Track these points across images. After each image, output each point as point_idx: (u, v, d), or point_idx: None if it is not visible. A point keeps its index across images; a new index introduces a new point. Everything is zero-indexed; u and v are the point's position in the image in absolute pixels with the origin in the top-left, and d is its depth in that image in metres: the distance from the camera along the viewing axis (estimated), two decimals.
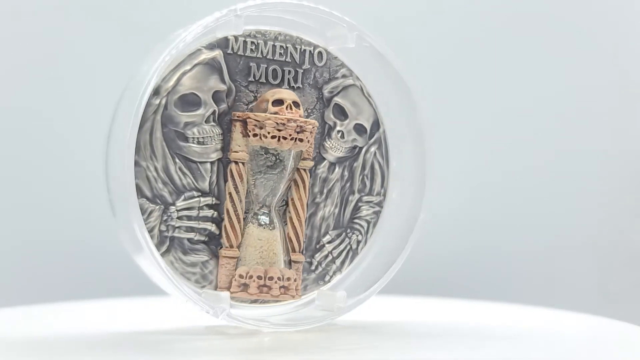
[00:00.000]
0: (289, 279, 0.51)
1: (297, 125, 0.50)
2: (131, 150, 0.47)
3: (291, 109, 0.50)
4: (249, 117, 0.49)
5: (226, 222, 0.50)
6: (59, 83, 0.80)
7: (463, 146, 0.83)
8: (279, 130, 0.49)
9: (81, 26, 0.80)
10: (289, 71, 0.52)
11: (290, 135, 0.50)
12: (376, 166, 0.55)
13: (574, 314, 0.64)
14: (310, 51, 0.52)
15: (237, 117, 0.50)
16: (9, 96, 0.79)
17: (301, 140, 0.50)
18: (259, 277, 0.50)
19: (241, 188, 0.50)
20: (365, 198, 0.55)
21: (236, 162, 0.49)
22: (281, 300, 0.51)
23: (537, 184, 0.83)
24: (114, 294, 0.74)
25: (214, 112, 0.49)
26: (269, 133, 0.49)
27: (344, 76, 0.54)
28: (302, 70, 0.52)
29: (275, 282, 0.50)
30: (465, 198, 0.83)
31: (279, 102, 0.50)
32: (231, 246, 0.50)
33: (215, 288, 0.50)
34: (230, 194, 0.49)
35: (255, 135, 0.49)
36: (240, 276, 0.49)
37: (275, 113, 0.50)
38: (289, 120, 0.50)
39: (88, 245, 0.80)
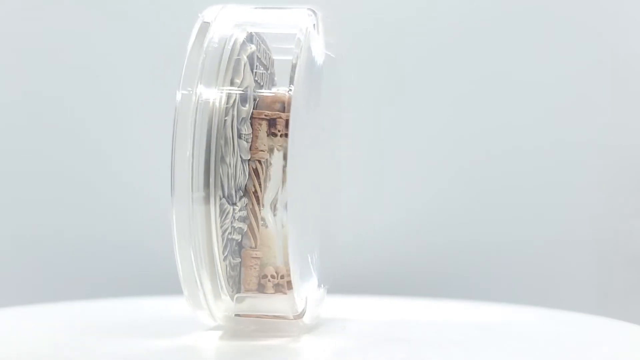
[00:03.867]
0: None
1: None
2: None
3: None
4: (280, 117, 0.49)
5: (252, 221, 0.49)
6: (88, 77, 0.80)
7: (459, 140, 0.83)
8: None
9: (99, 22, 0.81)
10: (262, 74, 0.51)
11: None
12: None
13: (573, 314, 0.64)
14: (270, 56, 0.52)
15: (265, 116, 0.49)
16: (36, 92, 0.80)
17: None
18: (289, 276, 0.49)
19: (263, 187, 0.49)
20: None
21: (259, 161, 0.49)
22: None
23: (535, 180, 0.83)
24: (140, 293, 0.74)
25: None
26: None
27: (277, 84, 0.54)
28: (268, 73, 0.52)
29: None
30: (461, 194, 0.83)
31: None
32: (256, 246, 0.49)
33: (239, 290, 0.49)
34: (255, 192, 0.49)
35: (284, 135, 0.48)
36: (273, 277, 0.49)
37: None
38: None
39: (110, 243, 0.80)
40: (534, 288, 0.82)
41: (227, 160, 0.47)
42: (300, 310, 0.49)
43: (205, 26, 0.50)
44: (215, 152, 0.47)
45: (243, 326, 0.51)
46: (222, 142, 0.47)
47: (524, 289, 0.82)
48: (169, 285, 0.74)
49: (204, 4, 0.60)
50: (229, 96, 0.48)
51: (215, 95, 0.48)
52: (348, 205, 0.80)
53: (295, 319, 0.49)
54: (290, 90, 0.48)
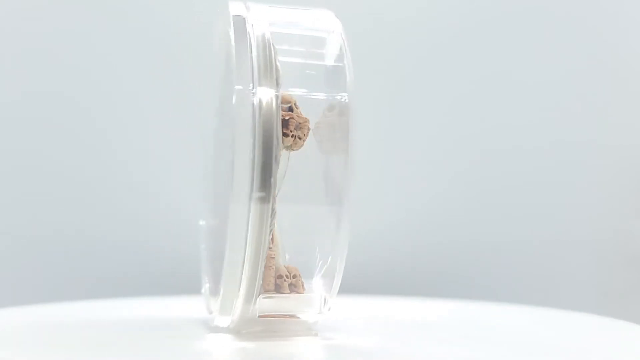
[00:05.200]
0: None
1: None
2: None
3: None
4: (292, 118, 0.48)
5: None
6: (87, 76, 0.80)
7: (459, 140, 0.83)
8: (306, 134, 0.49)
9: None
10: None
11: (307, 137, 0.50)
12: None
13: (573, 314, 0.64)
14: None
15: (282, 116, 0.49)
16: (54, 91, 0.80)
17: None
18: (301, 275, 0.50)
19: (278, 186, 0.49)
20: None
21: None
22: None
23: (535, 180, 0.83)
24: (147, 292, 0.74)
25: None
26: (304, 135, 0.49)
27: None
28: None
29: (303, 279, 0.50)
30: (461, 194, 0.83)
31: (295, 105, 0.50)
32: (271, 246, 0.49)
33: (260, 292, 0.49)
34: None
35: (292, 136, 0.48)
36: (287, 276, 0.49)
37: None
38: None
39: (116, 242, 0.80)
40: (534, 288, 0.82)
41: (278, 160, 0.47)
42: (329, 308, 0.49)
43: (241, 24, 0.49)
44: (272, 152, 0.47)
45: (248, 327, 0.51)
46: (276, 142, 0.47)
47: (524, 289, 0.82)
48: (169, 285, 0.75)
49: (203, 4, 0.60)
50: (277, 96, 0.48)
51: (271, 95, 0.47)
52: None
53: (322, 317, 0.49)
54: (344, 96, 0.48)
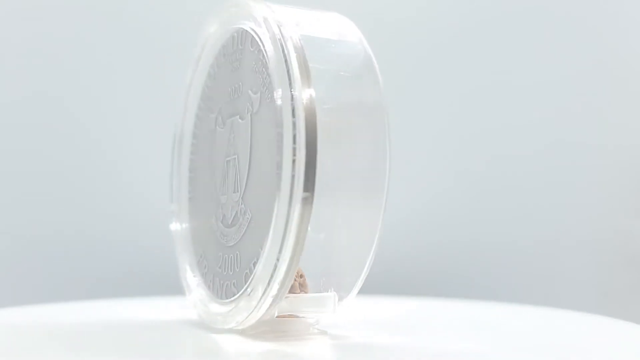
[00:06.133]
0: None
1: None
2: None
3: None
4: None
5: None
6: (87, 78, 0.81)
7: (459, 140, 0.83)
8: None
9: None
10: None
11: None
12: None
13: (573, 314, 0.64)
14: None
15: None
16: (40, 92, 0.80)
17: None
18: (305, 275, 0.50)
19: None
20: None
21: None
22: None
23: (535, 180, 0.83)
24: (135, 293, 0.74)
25: None
26: None
27: None
28: None
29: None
30: (461, 194, 0.83)
31: None
32: None
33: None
34: None
35: None
36: (300, 276, 0.49)
37: None
38: None
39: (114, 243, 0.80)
40: (534, 288, 0.82)
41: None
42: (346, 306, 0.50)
43: (269, 25, 0.49)
44: (316, 153, 0.47)
45: (255, 328, 0.50)
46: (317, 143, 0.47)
47: (524, 289, 0.82)
48: (168, 285, 0.74)
49: (203, 5, 0.60)
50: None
51: (312, 96, 0.47)
52: None
53: (335, 317, 0.50)
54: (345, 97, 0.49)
